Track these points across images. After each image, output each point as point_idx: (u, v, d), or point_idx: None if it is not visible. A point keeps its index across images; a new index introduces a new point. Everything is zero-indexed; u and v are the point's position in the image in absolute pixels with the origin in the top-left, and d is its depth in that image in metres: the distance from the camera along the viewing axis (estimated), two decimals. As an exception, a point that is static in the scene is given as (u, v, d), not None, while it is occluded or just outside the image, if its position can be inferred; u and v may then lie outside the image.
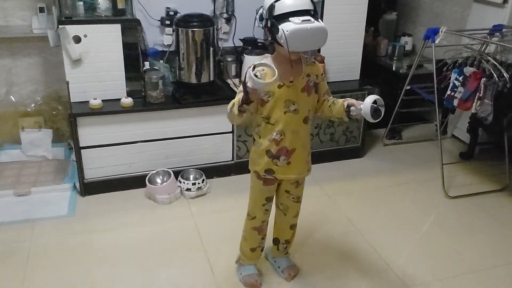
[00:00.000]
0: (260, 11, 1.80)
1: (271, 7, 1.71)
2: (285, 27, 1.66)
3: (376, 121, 1.78)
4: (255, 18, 1.84)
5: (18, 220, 2.62)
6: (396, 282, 2.28)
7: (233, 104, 1.81)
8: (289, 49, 1.69)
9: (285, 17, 1.68)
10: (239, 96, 1.78)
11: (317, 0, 3.05)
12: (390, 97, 3.75)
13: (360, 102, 1.81)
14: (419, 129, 4.02)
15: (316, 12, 1.75)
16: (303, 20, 1.67)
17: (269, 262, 2.36)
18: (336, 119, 2.00)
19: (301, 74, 1.87)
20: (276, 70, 1.70)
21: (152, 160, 2.94)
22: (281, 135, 1.89)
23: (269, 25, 1.73)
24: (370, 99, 1.75)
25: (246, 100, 1.75)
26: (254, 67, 1.67)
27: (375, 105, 1.75)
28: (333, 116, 1.95)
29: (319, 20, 1.71)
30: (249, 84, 1.66)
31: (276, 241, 2.26)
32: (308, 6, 1.72)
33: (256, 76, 1.64)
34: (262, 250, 2.24)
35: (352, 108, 1.84)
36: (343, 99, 1.91)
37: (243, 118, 1.82)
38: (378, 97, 1.76)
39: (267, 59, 1.87)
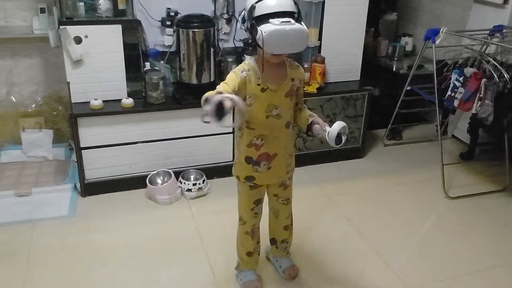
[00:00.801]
0: (243, 13, 1.77)
1: (252, 8, 1.68)
2: (264, 28, 1.62)
3: (337, 147, 1.80)
4: (237, 20, 1.83)
5: (19, 220, 2.62)
6: (396, 282, 2.29)
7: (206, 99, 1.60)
8: (267, 50, 1.66)
9: (265, 18, 1.64)
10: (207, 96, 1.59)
11: (318, 1, 3.06)
12: (390, 97, 3.76)
13: (325, 124, 1.84)
14: (420, 129, 4.02)
15: (299, 15, 1.71)
16: (282, 22, 1.62)
17: (271, 263, 2.36)
18: (295, 125, 1.99)
19: (286, 78, 1.84)
20: (259, 72, 1.70)
21: (152, 160, 2.94)
22: (261, 140, 1.86)
23: (249, 26, 1.70)
24: (338, 125, 1.77)
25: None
26: (218, 103, 1.47)
27: (340, 132, 1.77)
28: (294, 123, 1.95)
29: (302, 23, 1.68)
30: (207, 119, 1.50)
31: (273, 241, 2.26)
32: (290, 8, 1.68)
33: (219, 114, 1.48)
34: (259, 254, 2.22)
35: (315, 126, 1.86)
36: (309, 113, 1.92)
37: None
38: (345, 124, 1.78)
39: (249, 59, 1.85)
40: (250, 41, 1.77)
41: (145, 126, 2.84)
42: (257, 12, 1.66)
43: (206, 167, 3.05)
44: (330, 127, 1.80)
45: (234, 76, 1.78)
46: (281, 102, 1.85)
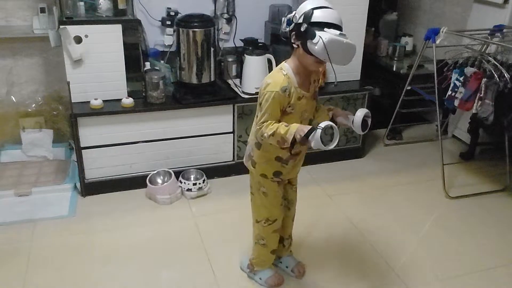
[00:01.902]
0: (290, 15, 1.78)
1: (309, 13, 1.69)
2: (323, 35, 1.64)
3: (364, 132, 1.87)
4: (283, 21, 1.82)
5: (19, 220, 2.62)
6: (397, 282, 2.28)
7: (274, 133, 1.76)
8: (320, 57, 1.68)
9: (320, 25, 1.67)
10: (286, 135, 1.73)
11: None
12: (391, 97, 3.76)
13: (348, 113, 1.92)
14: (420, 129, 4.02)
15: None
16: (340, 33, 1.66)
17: (274, 265, 2.34)
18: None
19: (310, 82, 1.89)
20: (295, 81, 1.79)
21: (153, 160, 2.94)
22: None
23: (302, 29, 1.69)
24: (361, 112, 1.83)
25: (293, 145, 1.76)
26: (324, 130, 1.67)
27: (365, 118, 1.85)
28: (314, 121, 1.98)
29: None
30: (313, 145, 1.68)
31: (280, 239, 2.25)
32: (341, 23, 1.72)
33: (321, 140, 1.66)
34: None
35: (339, 119, 1.92)
36: (327, 108, 1.98)
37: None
38: (367, 110, 1.85)
39: (285, 66, 1.83)
40: (294, 44, 1.77)
41: (145, 125, 2.84)
42: (315, 18, 1.68)
43: (206, 167, 3.05)
44: (353, 114, 1.86)
45: (277, 102, 1.77)
46: (310, 105, 1.91)
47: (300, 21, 1.71)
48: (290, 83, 1.79)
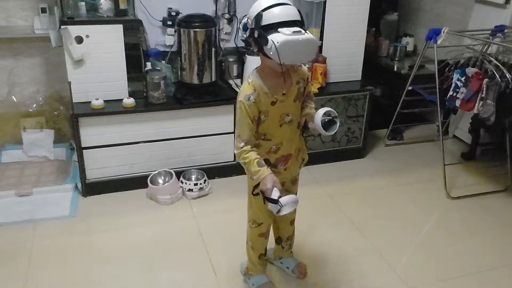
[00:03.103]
0: (244, 20, 1.74)
1: (258, 16, 1.62)
2: (275, 38, 1.57)
3: (331, 134, 1.75)
4: (237, 28, 1.78)
5: (20, 220, 2.62)
6: (398, 283, 2.28)
7: (245, 165, 1.78)
8: (280, 61, 1.60)
9: (273, 27, 1.60)
10: (254, 176, 1.75)
11: (319, 1, 3.05)
12: (392, 97, 3.76)
13: (313, 114, 1.80)
14: (421, 129, 4.01)
15: (303, 23, 1.67)
16: (293, 32, 1.58)
17: (275, 266, 2.35)
18: None
19: (291, 84, 1.81)
20: (264, 87, 1.72)
21: (154, 160, 2.94)
22: (278, 147, 1.87)
23: (255, 35, 1.64)
24: (321, 110, 1.73)
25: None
26: (279, 197, 1.67)
27: (328, 117, 1.73)
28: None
29: (307, 32, 1.65)
30: (269, 207, 1.71)
31: (279, 240, 2.26)
32: (297, 17, 1.64)
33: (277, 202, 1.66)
34: (266, 254, 2.22)
35: (310, 124, 1.83)
36: (307, 112, 1.87)
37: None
38: (329, 108, 1.74)
39: (252, 73, 1.80)
40: (253, 49, 1.74)
41: (146, 126, 2.84)
42: (265, 21, 1.62)
43: (207, 167, 3.04)
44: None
45: (245, 113, 1.74)
46: (291, 108, 1.84)
47: (253, 26, 1.65)
48: (256, 90, 1.74)
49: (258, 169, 1.73)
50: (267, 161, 1.87)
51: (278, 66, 1.67)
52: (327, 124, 1.74)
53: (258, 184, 1.74)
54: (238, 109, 1.77)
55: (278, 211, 1.67)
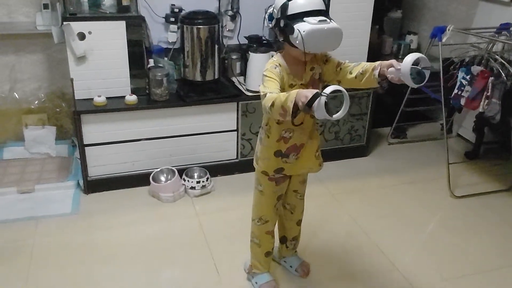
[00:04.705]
0: (270, 10, 1.75)
1: (284, 6, 1.65)
2: (301, 27, 1.60)
3: (418, 86, 1.61)
4: (264, 17, 1.79)
5: (22, 217, 2.61)
6: (402, 282, 2.27)
7: (274, 103, 1.57)
8: (305, 50, 1.63)
9: (299, 16, 1.63)
10: (286, 103, 1.51)
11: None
12: (395, 95, 3.73)
13: (392, 62, 1.65)
14: (424, 128, 3.99)
15: (328, 12, 1.70)
16: (319, 21, 1.61)
17: (278, 264, 2.34)
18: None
19: (305, 70, 1.83)
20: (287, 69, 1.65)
21: (156, 158, 2.92)
22: (290, 133, 1.86)
23: (281, 24, 1.67)
24: (411, 57, 1.53)
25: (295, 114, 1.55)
26: (329, 96, 1.40)
27: (417, 67, 1.56)
28: (361, 86, 1.83)
29: (333, 20, 1.66)
30: (317, 115, 1.44)
31: (283, 239, 2.24)
32: (322, 6, 1.67)
33: (326, 108, 1.40)
34: (273, 252, 2.21)
35: (390, 69, 1.63)
36: (372, 65, 1.74)
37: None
38: (421, 55, 1.56)
39: (276, 55, 1.82)
40: (278, 39, 1.75)
41: (148, 123, 2.83)
42: (290, 11, 1.64)
43: (210, 165, 3.03)
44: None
45: (271, 74, 1.72)
46: None
47: (279, 15, 1.69)
48: (281, 66, 1.76)
49: (287, 94, 1.53)
50: (278, 152, 1.87)
51: (302, 55, 1.69)
52: (417, 74, 1.56)
53: (298, 109, 1.50)
54: (264, 77, 1.73)
55: (327, 108, 1.39)
